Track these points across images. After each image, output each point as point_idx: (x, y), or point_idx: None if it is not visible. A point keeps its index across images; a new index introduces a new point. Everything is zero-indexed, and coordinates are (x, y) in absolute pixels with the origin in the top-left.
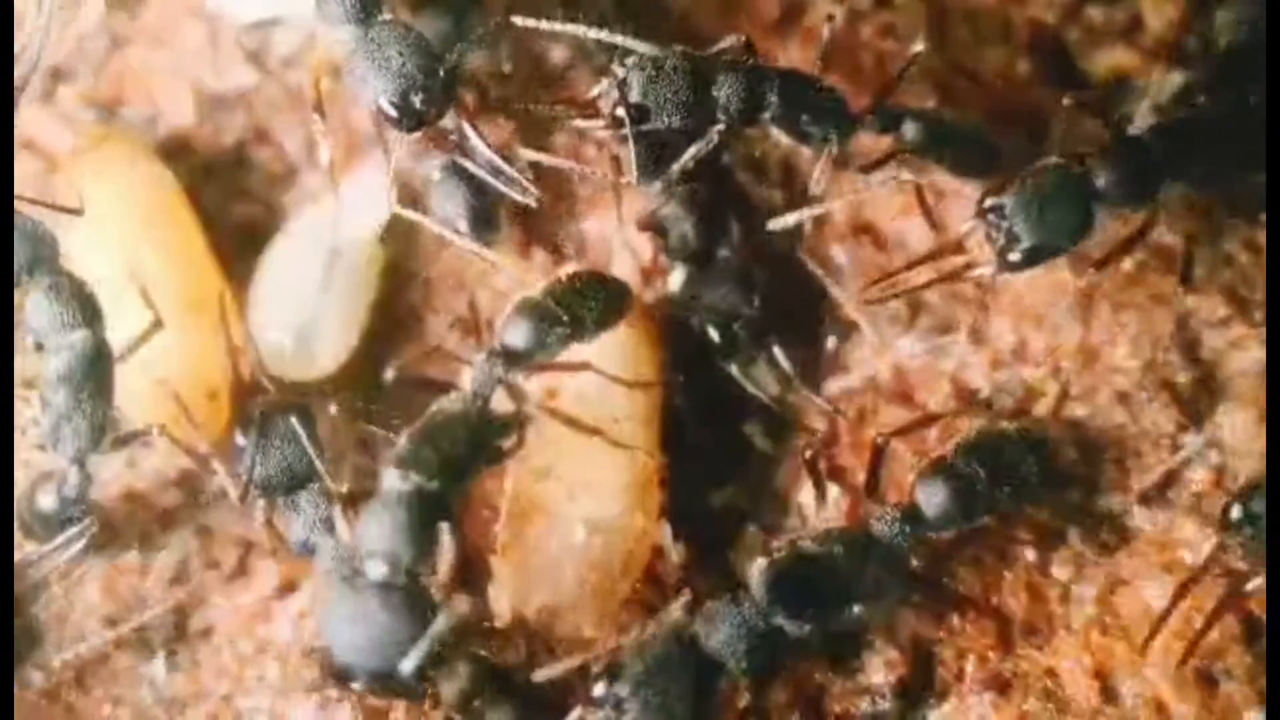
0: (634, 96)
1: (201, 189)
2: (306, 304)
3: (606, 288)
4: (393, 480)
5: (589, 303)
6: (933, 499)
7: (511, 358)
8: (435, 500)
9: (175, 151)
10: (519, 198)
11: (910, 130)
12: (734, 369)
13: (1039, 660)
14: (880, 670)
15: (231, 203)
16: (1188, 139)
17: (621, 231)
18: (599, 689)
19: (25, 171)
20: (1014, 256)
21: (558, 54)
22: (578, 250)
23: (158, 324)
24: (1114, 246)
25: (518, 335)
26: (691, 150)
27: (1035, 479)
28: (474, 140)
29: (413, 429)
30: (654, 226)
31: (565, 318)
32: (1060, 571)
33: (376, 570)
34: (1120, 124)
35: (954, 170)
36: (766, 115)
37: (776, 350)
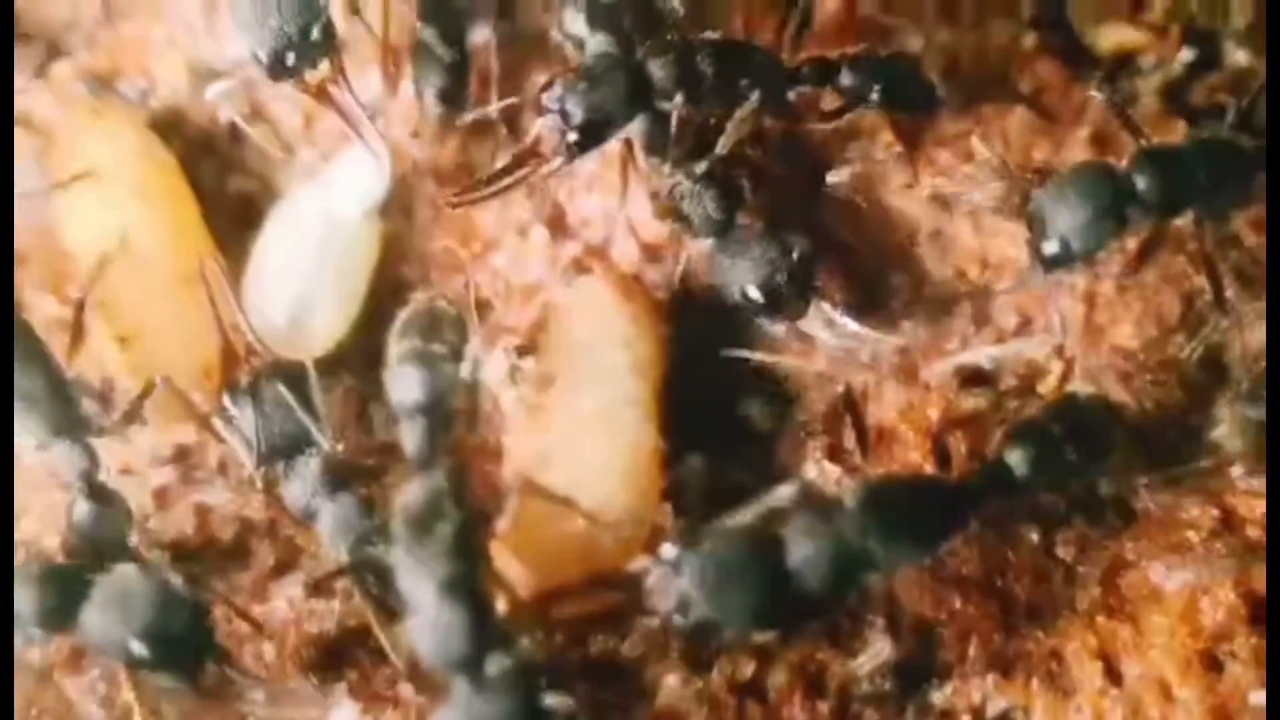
0: (579, 118)
1: (197, 164)
2: (302, 281)
3: None
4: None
5: None
6: (1023, 460)
7: None
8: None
9: (170, 126)
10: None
11: (846, 77)
12: (783, 328)
13: (1042, 642)
14: None
15: (227, 178)
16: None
17: (625, 209)
18: (667, 548)
19: (21, 146)
20: (1049, 250)
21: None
22: (578, 228)
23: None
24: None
25: None
26: (728, 131)
27: (1117, 444)
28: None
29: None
30: (672, 208)
31: None
32: (1064, 552)
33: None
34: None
35: (896, 109)
36: (706, 86)
37: (825, 305)
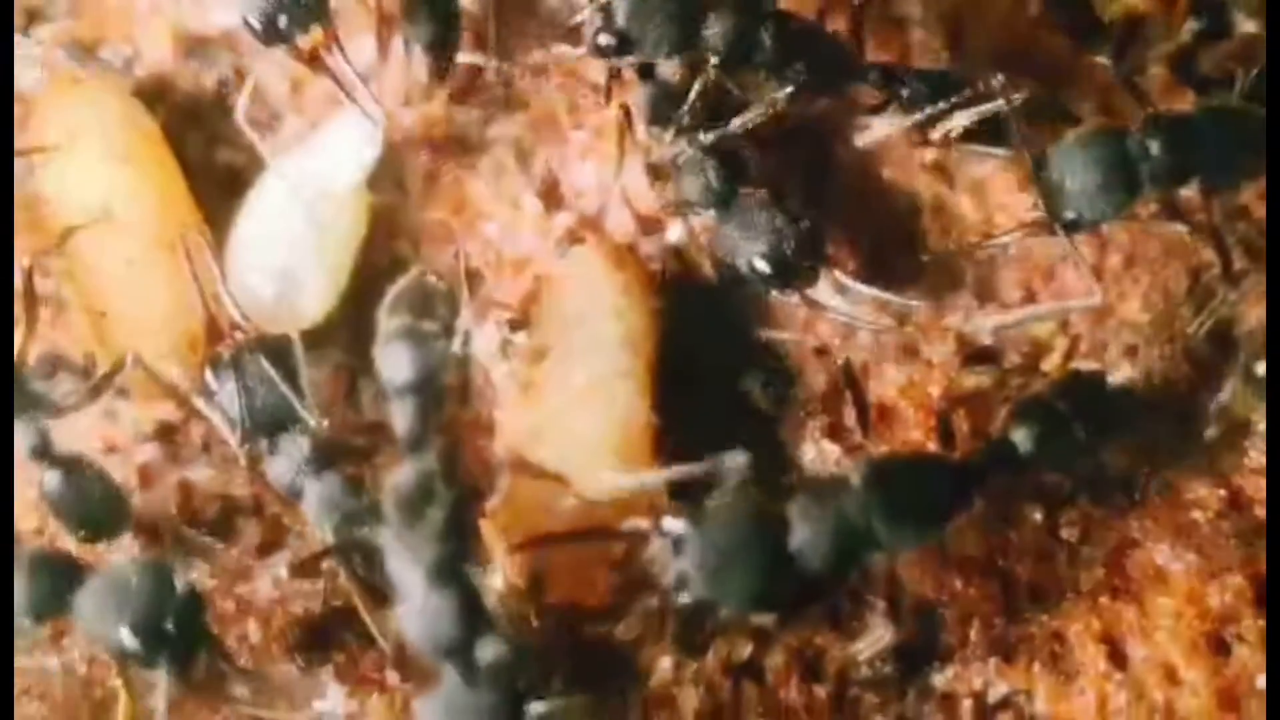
0: (618, 23)
1: (184, 134)
2: (288, 252)
3: None
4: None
5: None
6: (1028, 437)
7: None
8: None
9: (155, 94)
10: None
11: (911, 89)
12: (795, 297)
13: (1045, 624)
14: None
15: (214, 148)
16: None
17: (620, 180)
18: (669, 521)
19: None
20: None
21: None
22: (572, 198)
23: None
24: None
25: None
26: (751, 113)
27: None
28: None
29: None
30: (669, 178)
31: None
32: (1068, 532)
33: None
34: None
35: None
36: (759, 59)
37: (836, 271)
